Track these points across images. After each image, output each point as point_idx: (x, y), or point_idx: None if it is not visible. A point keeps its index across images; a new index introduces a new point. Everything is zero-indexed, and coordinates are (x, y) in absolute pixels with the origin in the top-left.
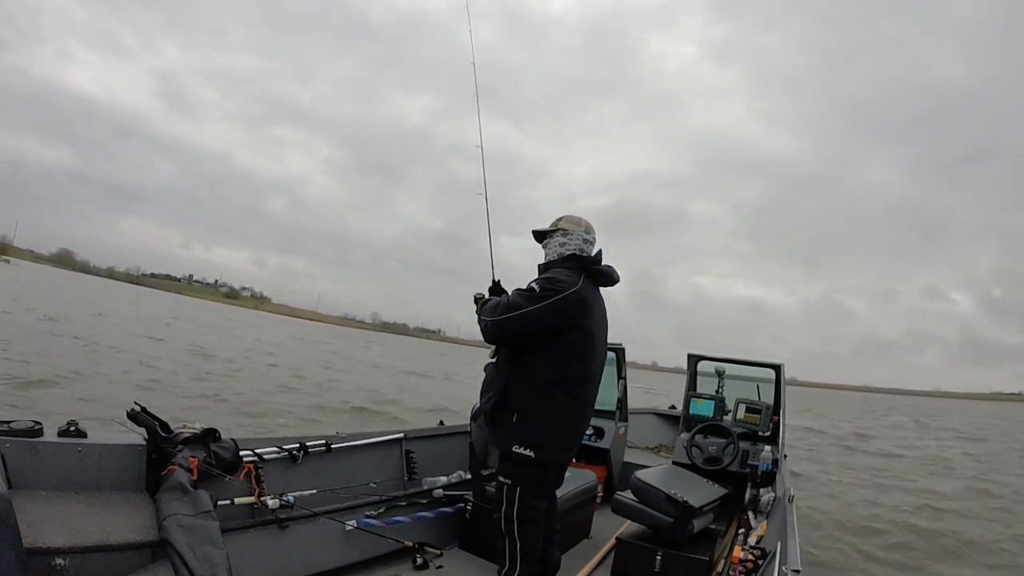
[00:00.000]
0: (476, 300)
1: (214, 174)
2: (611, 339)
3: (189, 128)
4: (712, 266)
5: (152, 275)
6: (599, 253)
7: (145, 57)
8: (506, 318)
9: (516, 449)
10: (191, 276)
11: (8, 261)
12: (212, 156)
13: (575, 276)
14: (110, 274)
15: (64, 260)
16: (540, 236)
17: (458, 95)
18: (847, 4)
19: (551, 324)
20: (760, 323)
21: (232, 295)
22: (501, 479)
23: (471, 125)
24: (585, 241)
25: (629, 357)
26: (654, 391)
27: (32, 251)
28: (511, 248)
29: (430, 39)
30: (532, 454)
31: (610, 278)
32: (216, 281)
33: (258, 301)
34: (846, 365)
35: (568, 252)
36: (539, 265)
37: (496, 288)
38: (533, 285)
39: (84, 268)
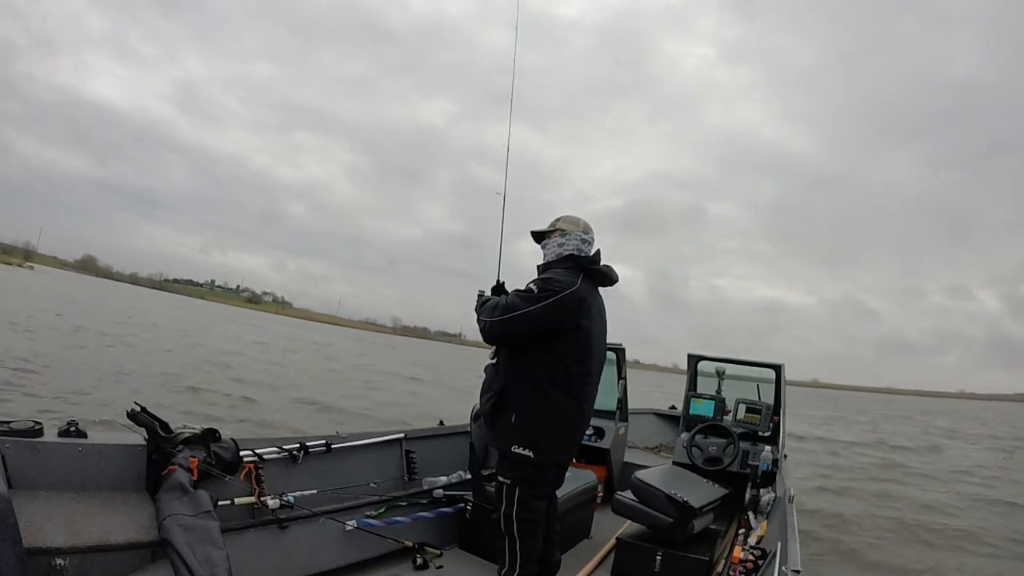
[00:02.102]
0: (479, 296)
1: (231, 179)
2: (630, 340)
3: (208, 135)
4: (732, 267)
5: (175, 280)
6: (597, 253)
7: (166, 66)
8: (504, 319)
9: (515, 449)
10: (213, 281)
11: (32, 267)
12: (229, 162)
13: (573, 276)
14: (133, 280)
15: (88, 266)
16: (539, 237)
17: (474, 99)
18: (864, 2)
19: (549, 325)
20: (781, 324)
21: (254, 300)
22: (500, 479)
23: (488, 128)
24: (583, 241)
25: (649, 359)
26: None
27: (56, 257)
28: (528, 252)
29: (447, 44)
30: (531, 454)
31: (608, 278)
32: (238, 286)
33: (279, 306)
34: (868, 366)
35: (566, 252)
36: (538, 266)
37: (499, 289)
38: (531, 286)
39: (107, 274)
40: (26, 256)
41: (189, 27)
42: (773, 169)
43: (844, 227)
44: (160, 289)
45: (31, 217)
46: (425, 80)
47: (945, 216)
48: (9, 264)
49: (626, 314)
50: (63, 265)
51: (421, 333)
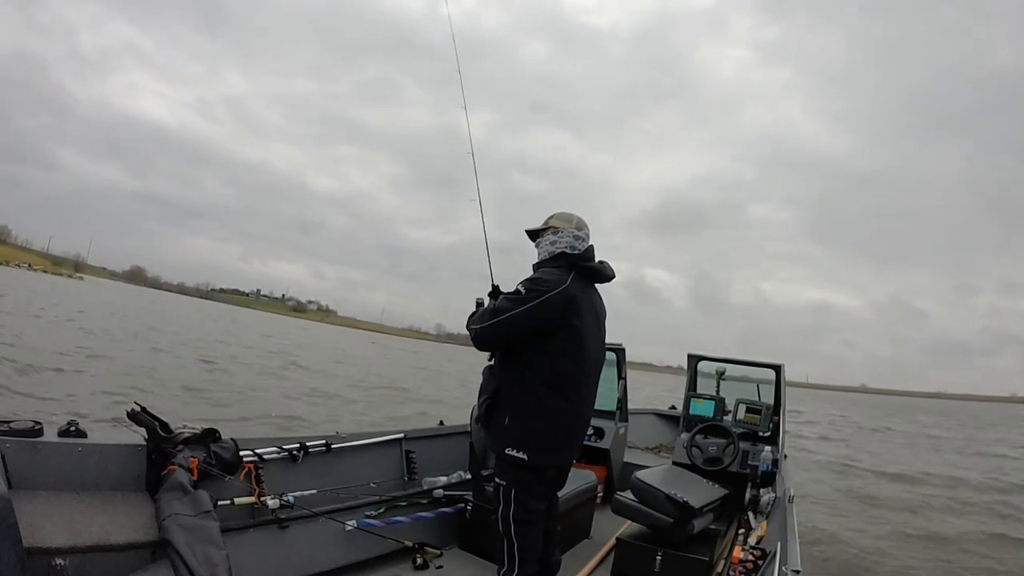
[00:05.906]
0: (477, 305)
1: (271, 190)
2: (670, 346)
3: (251, 149)
4: (777, 270)
5: (221, 290)
6: (590, 249)
7: (210, 83)
8: (492, 324)
9: (508, 451)
10: (259, 291)
11: (82, 278)
12: (270, 174)
13: (563, 275)
14: (181, 289)
15: (136, 277)
16: (533, 235)
17: (514, 110)
18: None
19: (538, 325)
20: (828, 327)
21: (299, 308)
22: (497, 480)
23: (529, 138)
24: (576, 238)
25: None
26: None
27: (105, 268)
28: None
29: (485, 55)
30: (524, 456)
31: (603, 274)
32: (283, 295)
33: (324, 314)
34: (917, 369)
35: (558, 250)
36: (533, 265)
37: (495, 293)
38: (519, 287)
39: (155, 284)
40: (76, 267)
41: (231, 45)
42: (815, 168)
43: (890, 225)
44: (207, 298)
45: (80, 230)
46: (465, 91)
47: (996, 209)
48: (60, 275)
49: (666, 319)
50: (112, 276)
51: (464, 340)
